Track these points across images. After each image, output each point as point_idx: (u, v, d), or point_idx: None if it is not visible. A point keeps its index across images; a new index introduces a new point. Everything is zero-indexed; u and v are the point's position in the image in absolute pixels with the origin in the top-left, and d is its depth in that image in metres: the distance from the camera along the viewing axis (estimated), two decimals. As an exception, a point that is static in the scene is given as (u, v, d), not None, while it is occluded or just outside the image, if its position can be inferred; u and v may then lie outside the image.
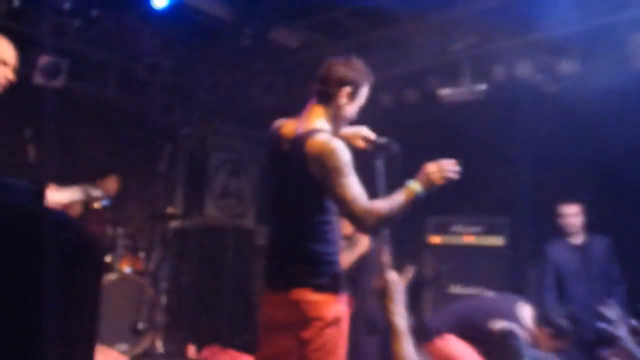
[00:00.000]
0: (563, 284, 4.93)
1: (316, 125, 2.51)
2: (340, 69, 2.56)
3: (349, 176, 2.34)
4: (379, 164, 2.78)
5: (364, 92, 2.62)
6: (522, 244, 5.93)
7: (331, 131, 2.57)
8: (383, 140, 2.76)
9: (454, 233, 6.16)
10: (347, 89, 2.52)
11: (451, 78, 5.83)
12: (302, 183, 2.43)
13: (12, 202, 2.02)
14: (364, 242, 5.24)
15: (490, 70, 5.66)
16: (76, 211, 5.27)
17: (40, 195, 2.24)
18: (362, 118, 5.62)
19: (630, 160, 5.28)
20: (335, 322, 2.42)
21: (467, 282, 5.83)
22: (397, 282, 2.41)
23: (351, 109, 2.61)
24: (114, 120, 6.79)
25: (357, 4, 5.58)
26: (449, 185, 5.42)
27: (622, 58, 5.16)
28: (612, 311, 3.75)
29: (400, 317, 2.37)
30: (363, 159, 2.71)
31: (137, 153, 6.99)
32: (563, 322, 3.64)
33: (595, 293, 4.76)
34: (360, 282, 5.08)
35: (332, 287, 2.41)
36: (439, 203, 5.85)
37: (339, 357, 2.50)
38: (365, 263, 5.25)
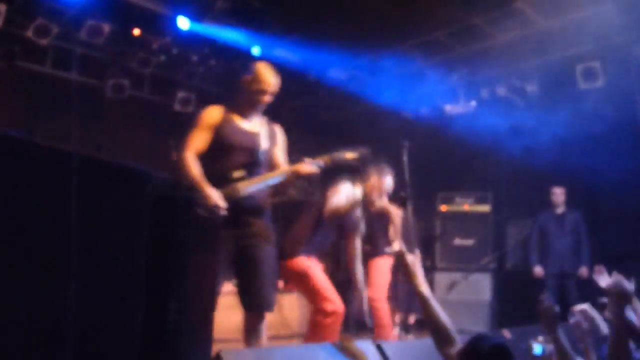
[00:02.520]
0: (545, 238, 6.61)
1: None
2: None
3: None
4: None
5: None
6: (502, 210, 7.43)
7: None
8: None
9: (456, 203, 7.52)
10: None
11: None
12: None
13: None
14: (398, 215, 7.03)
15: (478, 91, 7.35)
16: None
17: (177, 183, 2.76)
18: (388, 130, 7.07)
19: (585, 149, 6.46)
20: None
21: (464, 237, 7.38)
22: (415, 260, 2.62)
23: None
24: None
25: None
26: (453, 170, 7.27)
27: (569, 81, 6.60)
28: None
29: (425, 286, 2.58)
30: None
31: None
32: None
33: (566, 245, 6.44)
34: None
35: None
36: (446, 182, 7.91)
37: None
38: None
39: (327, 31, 6.47)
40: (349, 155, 3.41)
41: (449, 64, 7.34)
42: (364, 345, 2.98)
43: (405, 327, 6.78)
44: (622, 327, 2.52)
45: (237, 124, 3.30)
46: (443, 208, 7.68)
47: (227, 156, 3.22)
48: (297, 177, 3.29)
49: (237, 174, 3.18)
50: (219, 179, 3.13)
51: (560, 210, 6.59)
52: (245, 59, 6.12)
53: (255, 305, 3.19)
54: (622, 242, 6.45)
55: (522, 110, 7.08)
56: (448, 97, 7.49)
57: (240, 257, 3.18)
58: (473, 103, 7.29)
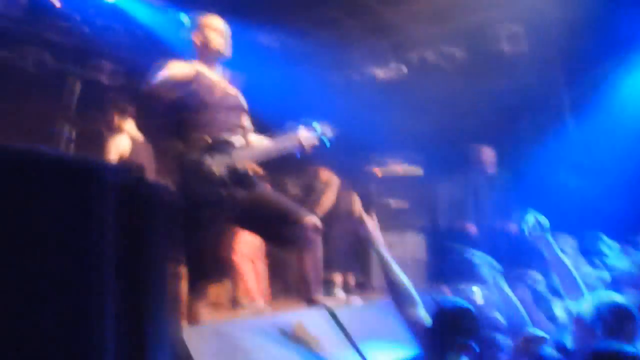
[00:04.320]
0: (477, 196, 6.86)
1: None
2: None
3: None
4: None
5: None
6: (432, 171, 7.70)
7: None
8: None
9: (389, 166, 7.75)
10: None
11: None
12: None
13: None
14: (335, 181, 7.10)
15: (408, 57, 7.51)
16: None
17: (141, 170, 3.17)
18: (318, 95, 7.20)
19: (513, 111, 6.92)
20: None
21: (398, 198, 7.64)
22: (373, 224, 2.70)
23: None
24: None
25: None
26: (386, 135, 7.46)
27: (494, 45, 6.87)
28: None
29: (384, 247, 2.69)
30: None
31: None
32: None
33: (497, 202, 6.76)
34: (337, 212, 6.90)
35: None
36: (378, 147, 8.10)
37: None
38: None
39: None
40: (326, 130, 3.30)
41: (379, 29, 7.41)
42: (318, 313, 3.07)
43: (347, 289, 7.02)
44: None
45: (214, 80, 3.05)
46: (377, 172, 7.88)
47: (214, 118, 2.97)
48: (301, 147, 3.12)
49: (237, 140, 2.97)
50: (215, 144, 2.90)
51: (490, 170, 6.88)
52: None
53: (299, 211, 3.03)
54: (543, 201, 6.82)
55: (450, 74, 7.28)
56: (379, 62, 7.56)
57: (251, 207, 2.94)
58: (404, 68, 7.36)
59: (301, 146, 3.14)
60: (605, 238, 3.88)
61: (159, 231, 1.74)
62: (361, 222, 2.72)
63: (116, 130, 4.92)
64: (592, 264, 3.86)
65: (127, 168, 1.73)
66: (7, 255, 1.33)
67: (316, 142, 3.20)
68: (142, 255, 1.64)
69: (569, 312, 2.94)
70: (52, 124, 6.41)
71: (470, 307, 2.35)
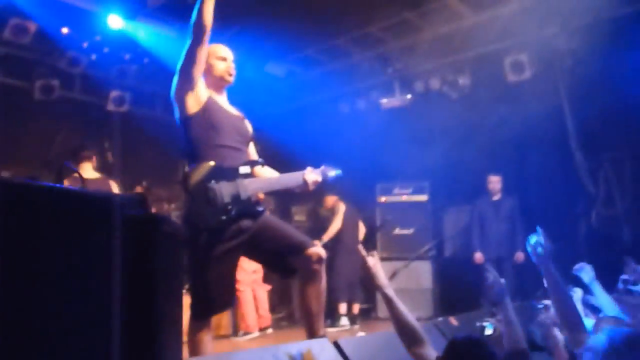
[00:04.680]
0: (483, 224, 6.78)
1: None
2: None
3: None
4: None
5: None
6: (438, 199, 7.65)
7: None
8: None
9: (395, 194, 7.70)
10: None
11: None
12: None
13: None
14: (342, 208, 6.99)
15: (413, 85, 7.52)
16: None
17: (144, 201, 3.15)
18: (325, 124, 7.35)
19: (513, 140, 6.82)
20: None
21: (404, 226, 7.56)
22: (376, 263, 2.59)
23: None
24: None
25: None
26: (392, 163, 7.46)
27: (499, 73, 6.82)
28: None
29: (389, 288, 2.56)
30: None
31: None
32: None
33: (502, 230, 6.62)
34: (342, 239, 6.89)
35: None
36: (384, 174, 8.10)
37: None
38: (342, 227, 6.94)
39: (264, 26, 6.44)
40: (333, 172, 3.30)
41: (384, 58, 7.47)
42: (322, 344, 3.01)
43: (351, 318, 6.93)
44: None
45: (221, 106, 3.04)
46: (381, 199, 7.83)
47: (221, 143, 2.91)
48: (304, 185, 3.11)
49: (243, 169, 2.93)
50: (221, 170, 2.85)
51: (496, 197, 6.82)
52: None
53: (304, 242, 2.96)
54: (549, 226, 6.77)
55: (455, 102, 7.32)
56: (384, 91, 7.59)
57: (255, 235, 2.88)
58: (408, 96, 7.40)
59: (305, 185, 3.13)
60: (630, 261, 3.77)
61: (163, 260, 1.73)
62: (363, 262, 2.61)
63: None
64: (613, 290, 3.73)
65: (132, 199, 1.74)
66: (22, 281, 1.36)
67: (319, 180, 3.18)
68: (147, 284, 1.65)
69: (568, 345, 2.87)
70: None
71: (484, 340, 2.27)
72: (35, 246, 1.37)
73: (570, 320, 2.83)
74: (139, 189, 6.81)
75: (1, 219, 1.29)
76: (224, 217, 2.79)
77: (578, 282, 3.97)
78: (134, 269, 1.55)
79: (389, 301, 2.56)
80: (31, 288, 1.38)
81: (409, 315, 2.51)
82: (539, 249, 2.97)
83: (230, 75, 3.11)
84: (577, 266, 3.69)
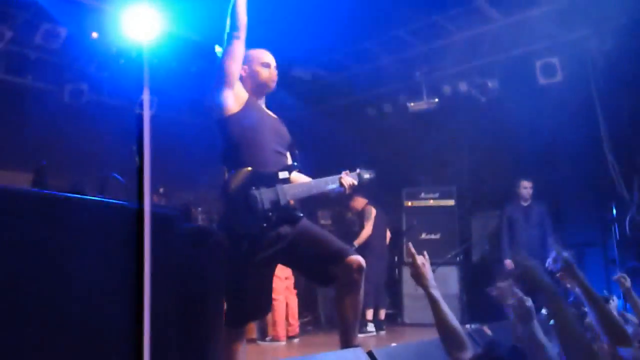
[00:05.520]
0: (513, 229, 6.58)
1: None
2: None
3: None
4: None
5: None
6: (465, 204, 7.59)
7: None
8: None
9: (421, 198, 7.67)
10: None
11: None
12: None
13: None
14: (372, 212, 6.92)
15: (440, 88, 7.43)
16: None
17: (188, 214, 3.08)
18: (351, 128, 7.27)
19: (537, 147, 6.73)
20: None
21: (430, 231, 7.53)
22: (425, 263, 2.53)
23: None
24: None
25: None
26: (419, 167, 7.41)
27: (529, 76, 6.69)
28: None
29: (435, 289, 2.49)
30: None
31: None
32: None
33: (533, 236, 6.43)
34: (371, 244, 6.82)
35: None
36: (410, 179, 8.06)
37: None
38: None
39: (291, 29, 6.41)
40: (367, 175, 3.34)
41: (411, 61, 7.38)
42: (356, 354, 2.95)
43: (377, 323, 6.87)
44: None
45: (261, 112, 3.03)
46: (408, 203, 7.78)
47: (260, 149, 2.89)
48: (341, 188, 3.10)
49: (282, 174, 2.91)
50: (261, 177, 2.82)
51: (527, 202, 6.67)
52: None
53: (344, 249, 2.92)
54: (581, 232, 6.69)
55: (484, 106, 7.23)
56: (411, 94, 7.51)
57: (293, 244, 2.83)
58: (436, 100, 7.32)
59: (342, 189, 3.13)
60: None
61: (202, 269, 1.72)
62: (413, 261, 2.53)
63: None
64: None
65: (173, 209, 1.78)
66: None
67: (355, 184, 3.18)
68: (185, 293, 1.64)
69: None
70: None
71: (522, 349, 2.19)
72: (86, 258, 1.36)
73: (611, 328, 2.72)
74: (155, 198, 6.84)
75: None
76: (265, 224, 2.74)
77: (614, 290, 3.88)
78: (172, 276, 1.52)
79: (434, 303, 2.49)
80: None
81: (454, 319, 2.42)
82: (561, 263, 2.83)
83: (273, 81, 3.09)
84: (615, 277, 3.60)
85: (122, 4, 5.94)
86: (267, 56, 3.11)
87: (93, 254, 1.42)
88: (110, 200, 1.72)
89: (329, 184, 3.10)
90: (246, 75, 3.04)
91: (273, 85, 3.10)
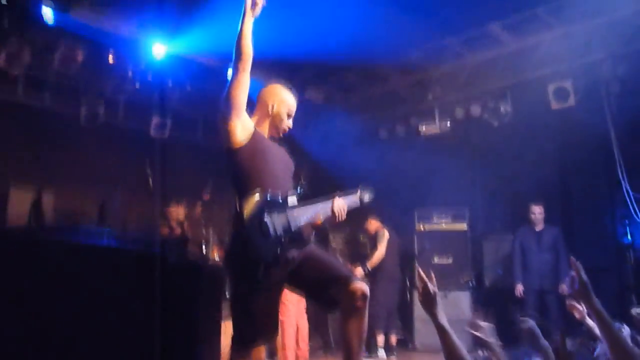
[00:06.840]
0: (525, 254, 6.52)
1: None
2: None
3: None
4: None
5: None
6: (477, 227, 7.52)
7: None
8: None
9: (433, 222, 7.57)
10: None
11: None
12: None
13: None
14: (386, 235, 6.86)
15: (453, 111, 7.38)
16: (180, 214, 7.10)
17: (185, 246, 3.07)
18: (364, 151, 7.24)
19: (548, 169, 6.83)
20: None
21: (442, 255, 7.43)
22: (435, 291, 2.48)
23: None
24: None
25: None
26: (431, 190, 7.36)
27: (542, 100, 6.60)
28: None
29: (444, 318, 2.44)
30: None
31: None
32: None
33: (545, 261, 6.37)
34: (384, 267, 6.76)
35: None
36: (422, 202, 8.00)
37: None
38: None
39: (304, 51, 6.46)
40: (367, 195, 3.28)
41: (424, 84, 7.37)
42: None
43: (388, 348, 6.78)
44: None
45: (267, 138, 3.05)
46: (420, 227, 7.70)
47: (271, 175, 2.93)
48: (332, 216, 3.06)
49: (291, 199, 2.93)
50: (272, 203, 2.85)
51: (539, 227, 6.58)
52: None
53: (348, 276, 2.91)
54: (594, 257, 6.50)
55: (496, 130, 7.15)
56: (423, 117, 7.50)
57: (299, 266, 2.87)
58: (448, 123, 7.29)
59: (333, 217, 3.06)
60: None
61: (202, 299, 1.74)
62: (424, 287, 2.48)
63: None
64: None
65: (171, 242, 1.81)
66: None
67: (345, 209, 3.10)
68: (186, 322, 1.66)
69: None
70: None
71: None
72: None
73: (623, 355, 2.65)
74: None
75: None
76: (278, 250, 2.77)
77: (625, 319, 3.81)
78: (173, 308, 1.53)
79: (442, 331, 2.44)
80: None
81: (463, 348, 2.37)
82: (579, 285, 2.77)
83: (285, 132, 3.12)
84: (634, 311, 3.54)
85: (138, 28, 6.06)
86: (294, 107, 3.13)
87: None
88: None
89: (325, 210, 3.07)
90: (270, 112, 3.05)
91: (288, 128, 3.12)
